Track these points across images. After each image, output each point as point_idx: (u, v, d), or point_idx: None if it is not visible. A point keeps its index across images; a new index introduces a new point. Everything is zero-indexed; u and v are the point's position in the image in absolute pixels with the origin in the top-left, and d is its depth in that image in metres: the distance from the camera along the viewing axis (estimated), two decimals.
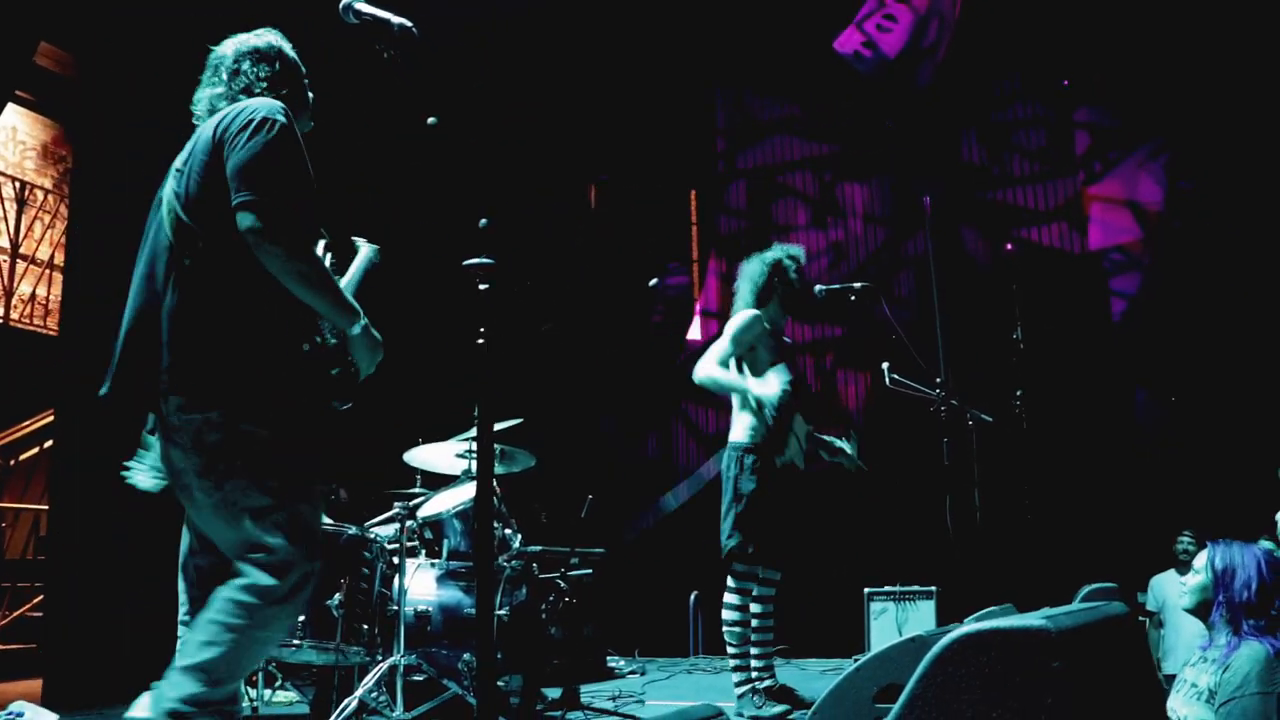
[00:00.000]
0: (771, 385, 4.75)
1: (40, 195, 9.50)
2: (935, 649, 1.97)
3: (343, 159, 7.42)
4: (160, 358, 2.73)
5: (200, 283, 2.74)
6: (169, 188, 2.87)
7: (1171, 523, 7.32)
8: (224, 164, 2.71)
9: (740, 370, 4.85)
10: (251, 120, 2.75)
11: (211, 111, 2.95)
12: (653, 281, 10.15)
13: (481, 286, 2.80)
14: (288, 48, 3.11)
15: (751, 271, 5.08)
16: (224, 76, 3.01)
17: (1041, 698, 1.88)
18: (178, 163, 2.90)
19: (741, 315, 4.89)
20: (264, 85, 2.99)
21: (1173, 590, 7.11)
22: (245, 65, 3.01)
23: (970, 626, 1.96)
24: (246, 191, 2.66)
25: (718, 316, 10.12)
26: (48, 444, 7.98)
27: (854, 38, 8.31)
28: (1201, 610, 3.51)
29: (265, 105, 2.82)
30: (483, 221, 2.88)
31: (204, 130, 2.85)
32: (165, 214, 2.85)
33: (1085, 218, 9.04)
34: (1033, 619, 1.96)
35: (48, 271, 9.34)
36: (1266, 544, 3.86)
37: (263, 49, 3.05)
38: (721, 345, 4.84)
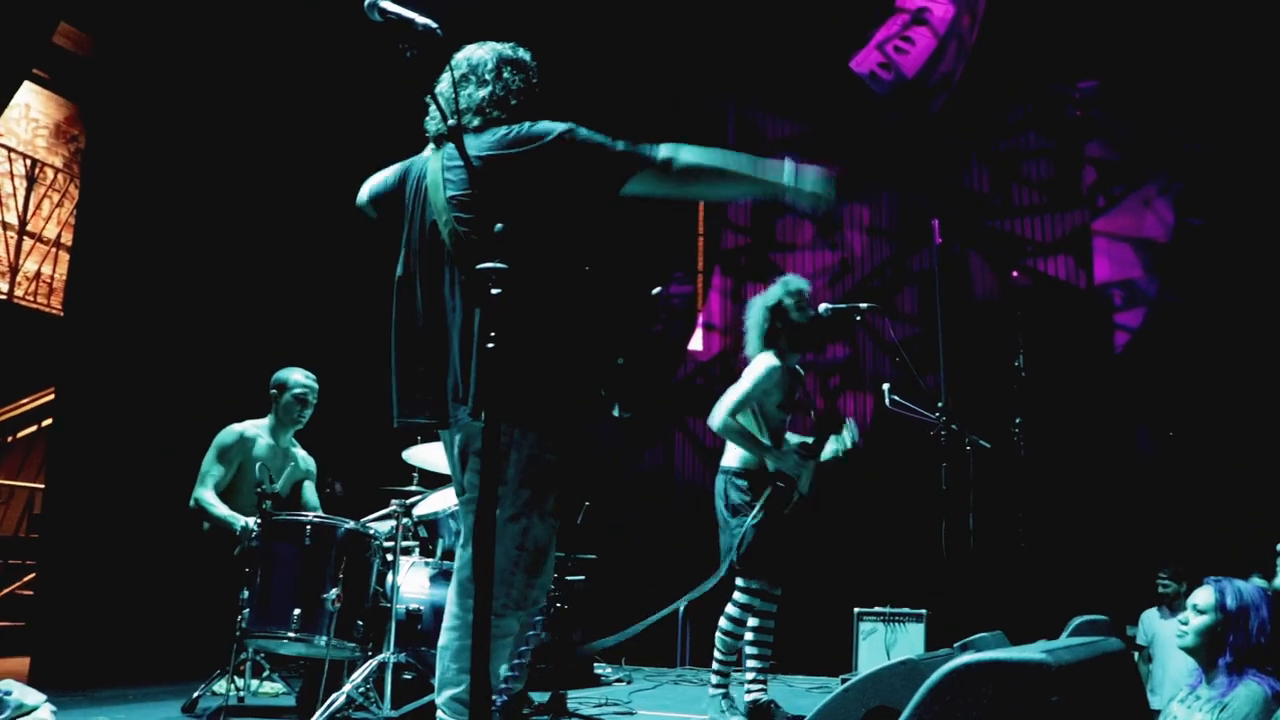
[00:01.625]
0: (787, 458, 4.81)
1: (50, 174, 9.50)
2: (934, 677, 1.97)
3: (361, 153, 7.45)
4: (448, 370, 2.93)
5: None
6: (441, 203, 2.98)
7: (1167, 557, 7.32)
8: (512, 178, 2.87)
9: (753, 416, 4.88)
10: (544, 131, 2.93)
11: (475, 112, 3.07)
12: (656, 290, 10.13)
13: (493, 291, 2.80)
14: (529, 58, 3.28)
15: (755, 318, 5.07)
16: (488, 78, 3.14)
17: None
18: (448, 175, 3.01)
19: (761, 364, 4.87)
20: (516, 94, 3.14)
21: (1162, 626, 7.11)
22: (506, 73, 3.16)
23: (969, 657, 1.97)
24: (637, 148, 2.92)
25: (720, 330, 10.11)
26: (46, 422, 7.98)
27: (871, 57, 8.32)
28: (1204, 650, 3.44)
29: (544, 123, 2.98)
30: (498, 226, 2.87)
31: (473, 147, 2.92)
32: (443, 228, 2.96)
33: (1090, 251, 9.06)
34: (1032, 651, 1.96)
35: (54, 250, 9.34)
36: (1260, 581, 3.84)
37: (519, 61, 3.22)
38: (737, 391, 4.81)
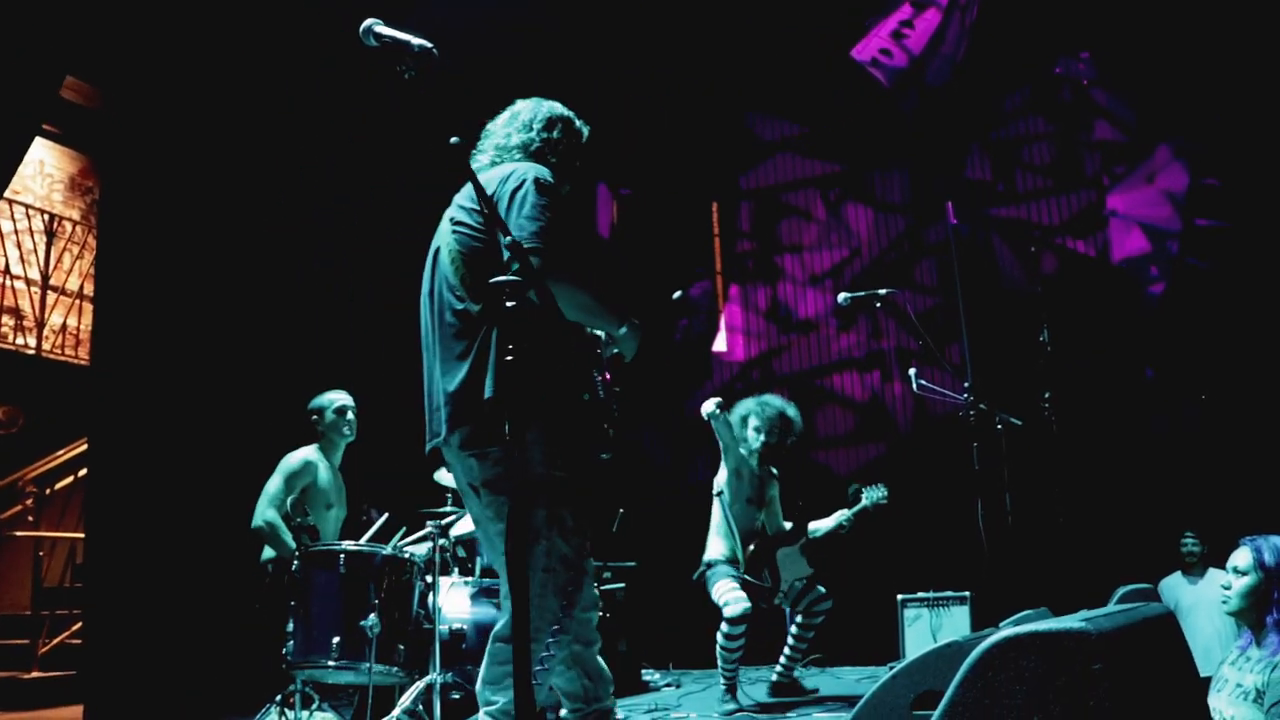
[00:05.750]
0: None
1: (69, 227, 9.61)
2: (974, 654, 1.96)
3: (367, 179, 7.50)
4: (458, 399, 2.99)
5: (488, 332, 2.96)
6: (448, 239, 3.09)
7: (1194, 523, 7.25)
8: (500, 221, 2.89)
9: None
10: (524, 180, 3.01)
11: (496, 163, 3.22)
12: (676, 294, 10.08)
13: (508, 304, 2.80)
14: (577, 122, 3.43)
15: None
16: (514, 129, 3.31)
17: (1083, 700, 1.86)
18: (455, 214, 3.13)
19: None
20: (538, 148, 3.27)
21: (1183, 592, 7.04)
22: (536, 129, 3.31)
23: (1009, 630, 1.95)
24: (531, 239, 2.90)
25: (742, 332, 10.07)
26: (81, 472, 8.05)
27: (873, 43, 8.28)
28: (1250, 611, 3.40)
29: (534, 168, 3.09)
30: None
31: (484, 187, 3.04)
32: (448, 265, 3.08)
33: (1104, 229, 8.96)
34: (1072, 621, 1.95)
35: (77, 302, 9.44)
36: None
37: (553, 117, 3.37)
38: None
